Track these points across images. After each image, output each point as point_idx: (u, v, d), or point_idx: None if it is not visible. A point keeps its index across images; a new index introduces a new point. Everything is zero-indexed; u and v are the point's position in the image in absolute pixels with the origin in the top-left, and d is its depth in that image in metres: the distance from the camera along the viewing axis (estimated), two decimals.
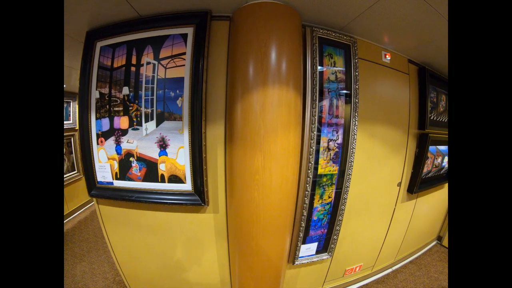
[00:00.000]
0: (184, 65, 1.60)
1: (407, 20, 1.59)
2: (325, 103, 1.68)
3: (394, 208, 2.54)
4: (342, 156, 1.81)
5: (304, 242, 1.93)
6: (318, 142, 1.69)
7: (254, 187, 1.50)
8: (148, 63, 1.68)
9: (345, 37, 1.74)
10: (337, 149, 1.77)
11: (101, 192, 1.85)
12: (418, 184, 2.49)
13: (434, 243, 3.72)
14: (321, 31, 1.65)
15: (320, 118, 1.66)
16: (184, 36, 1.60)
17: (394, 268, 3.03)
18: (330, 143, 1.74)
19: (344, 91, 1.74)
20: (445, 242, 3.62)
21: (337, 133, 1.75)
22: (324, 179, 1.79)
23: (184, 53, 1.60)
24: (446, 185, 3.28)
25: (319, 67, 1.65)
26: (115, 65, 1.73)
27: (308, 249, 1.97)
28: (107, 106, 1.76)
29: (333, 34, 1.70)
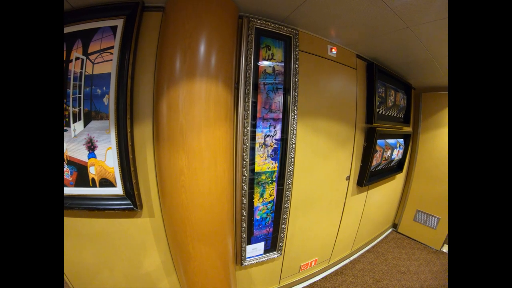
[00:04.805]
0: (111, 59, 1.36)
1: (353, 11, 1.41)
2: (261, 97, 1.47)
3: (345, 202, 2.39)
4: (282, 152, 1.62)
5: (249, 243, 1.72)
6: (253, 139, 1.48)
7: (180, 189, 1.29)
8: (77, 58, 1.42)
9: (285, 29, 1.55)
10: (275, 145, 1.58)
11: None
12: (367, 177, 2.35)
13: (390, 230, 3.66)
14: (259, 21, 1.44)
15: (254, 113, 1.45)
16: (114, 29, 1.37)
17: (351, 258, 2.91)
18: (267, 139, 1.53)
19: (282, 84, 1.54)
20: (401, 229, 3.56)
21: (274, 128, 1.55)
22: (263, 177, 1.59)
23: (112, 47, 1.37)
24: (398, 176, 3.22)
25: (260, 61, 1.46)
26: None
27: (255, 249, 1.77)
28: None
29: (272, 25, 1.50)
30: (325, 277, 2.55)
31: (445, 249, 3.15)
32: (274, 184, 1.66)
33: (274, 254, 1.88)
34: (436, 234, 3.14)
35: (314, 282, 2.45)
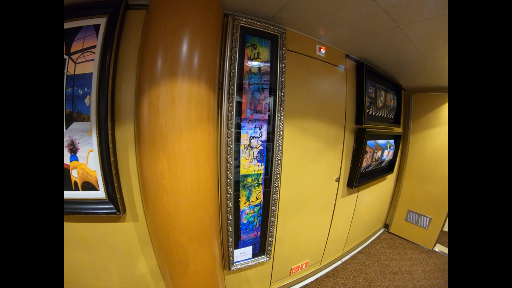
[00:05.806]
0: (93, 59, 1.30)
1: (342, 10, 1.37)
2: (246, 97, 1.42)
3: (335, 204, 2.35)
4: (268, 154, 1.56)
5: (237, 247, 1.66)
6: (237, 140, 1.43)
7: (162, 192, 1.24)
8: None
9: (272, 27, 1.50)
10: (261, 147, 1.52)
11: None
12: (357, 178, 2.31)
13: (381, 231, 3.63)
14: (244, 20, 1.39)
15: (239, 114, 1.39)
16: (97, 28, 1.31)
17: (343, 260, 2.87)
18: (253, 140, 1.48)
19: (268, 85, 1.49)
20: (392, 229, 3.53)
21: (260, 129, 1.49)
22: (249, 180, 1.53)
23: (94, 46, 1.30)
24: (388, 176, 3.19)
25: (245, 61, 1.41)
26: None
27: (243, 254, 1.71)
28: None
29: (258, 24, 1.44)
30: (316, 280, 2.50)
31: (438, 248, 3.13)
32: (261, 187, 1.60)
33: (263, 258, 1.83)
34: (428, 233, 3.12)
35: (306, 285, 2.40)
